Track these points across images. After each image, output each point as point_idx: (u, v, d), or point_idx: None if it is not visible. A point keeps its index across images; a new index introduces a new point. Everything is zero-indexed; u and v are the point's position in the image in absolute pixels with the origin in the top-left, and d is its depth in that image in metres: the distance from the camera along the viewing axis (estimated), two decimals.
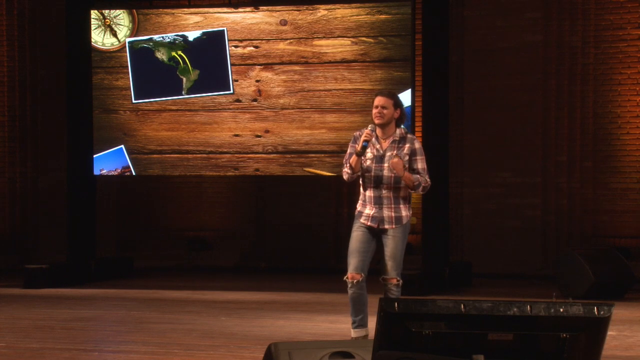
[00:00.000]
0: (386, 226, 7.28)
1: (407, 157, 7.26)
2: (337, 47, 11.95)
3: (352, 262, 7.29)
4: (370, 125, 7.33)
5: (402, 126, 7.41)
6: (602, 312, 3.48)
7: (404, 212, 7.31)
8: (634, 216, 13.03)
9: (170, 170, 12.61)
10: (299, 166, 12.13)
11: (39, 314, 9.74)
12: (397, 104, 7.35)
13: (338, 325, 8.76)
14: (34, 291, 11.61)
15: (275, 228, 14.53)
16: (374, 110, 7.30)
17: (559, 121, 13.33)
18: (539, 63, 13.33)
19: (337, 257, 13.77)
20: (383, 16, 11.80)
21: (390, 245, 7.27)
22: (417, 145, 7.34)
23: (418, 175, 7.27)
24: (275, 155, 12.16)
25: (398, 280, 7.27)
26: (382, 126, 7.31)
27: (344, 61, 11.93)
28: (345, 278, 7.31)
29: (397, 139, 7.32)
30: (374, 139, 7.31)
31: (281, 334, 8.25)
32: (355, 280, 7.24)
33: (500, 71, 13.42)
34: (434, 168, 12.05)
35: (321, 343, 4.81)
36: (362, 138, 7.24)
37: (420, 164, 7.32)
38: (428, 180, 7.34)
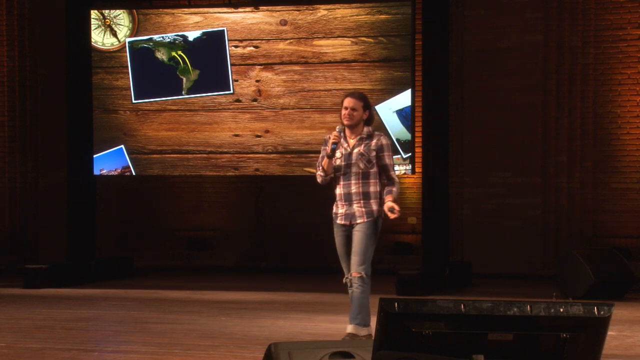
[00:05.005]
0: (358, 221, 7.41)
1: (373, 153, 7.42)
2: (337, 47, 11.95)
3: (344, 267, 7.56)
4: (338, 127, 7.51)
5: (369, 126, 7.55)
6: (602, 312, 3.48)
7: (375, 207, 7.42)
8: (634, 216, 13.03)
9: (170, 170, 12.62)
10: (299, 166, 12.13)
11: (39, 314, 9.74)
12: (367, 106, 7.53)
13: (338, 325, 8.76)
14: (34, 291, 11.60)
15: (275, 228, 14.52)
16: (344, 112, 7.46)
17: (559, 121, 13.32)
18: (539, 63, 13.32)
19: (337, 257, 13.73)
20: (383, 16, 11.80)
21: (357, 239, 7.41)
22: (385, 141, 7.48)
23: (393, 187, 7.41)
24: (275, 155, 12.16)
25: (360, 274, 7.35)
26: (351, 127, 7.49)
27: (344, 61, 11.93)
28: (344, 280, 7.52)
29: (364, 136, 7.47)
30: (342, 139, 7.47)
31: (281, 334, 8.25)
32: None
33: (500, 71, 13.42)
34: (434, 168, 12.14)
35: (321, 343, 4.80)
36: (331, 141, 7.40)
37: (388, 160, 7.45)
38: (397, 179, 7.52)
